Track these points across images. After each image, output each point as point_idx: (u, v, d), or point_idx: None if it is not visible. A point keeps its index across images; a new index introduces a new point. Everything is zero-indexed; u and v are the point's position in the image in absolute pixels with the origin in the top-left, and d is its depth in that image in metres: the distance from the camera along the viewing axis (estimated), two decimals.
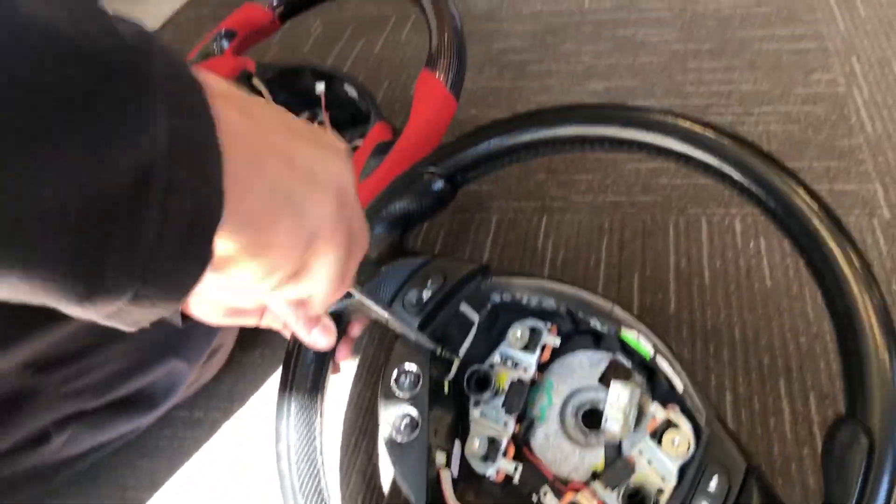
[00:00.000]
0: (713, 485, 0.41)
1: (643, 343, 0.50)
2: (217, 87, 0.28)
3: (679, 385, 0.47)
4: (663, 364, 0.48)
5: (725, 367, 0.61)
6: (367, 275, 0.56)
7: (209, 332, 0.61)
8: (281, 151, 0.31)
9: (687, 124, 0.50)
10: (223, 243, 0.29)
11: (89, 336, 0.56)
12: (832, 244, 0.41)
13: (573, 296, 0.53)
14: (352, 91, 0.80)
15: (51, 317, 0.51)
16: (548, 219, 0.78)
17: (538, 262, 0.74)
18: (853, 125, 0.82)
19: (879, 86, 0.86)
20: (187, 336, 0.57)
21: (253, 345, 0.71)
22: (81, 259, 0.24)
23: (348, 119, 0.82)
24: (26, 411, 0.55)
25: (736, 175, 0.47)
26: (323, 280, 0.35)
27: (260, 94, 0.79)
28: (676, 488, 0.46)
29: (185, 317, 0.54)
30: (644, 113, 0.52)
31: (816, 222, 0.42)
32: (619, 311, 0.50)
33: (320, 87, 0.80)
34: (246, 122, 0.29)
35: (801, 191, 0.44)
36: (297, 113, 0.82)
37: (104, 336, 0.57)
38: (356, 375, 0.68)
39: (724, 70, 0.94)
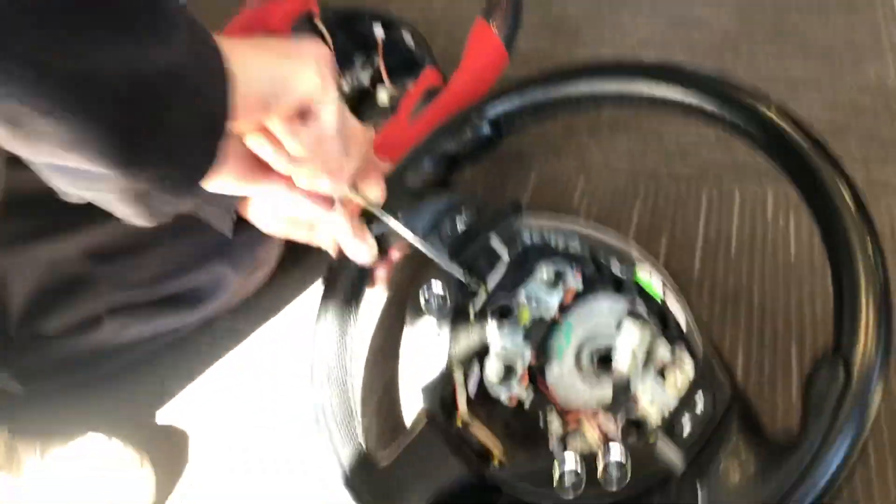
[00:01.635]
0: (699, 407, 0.45)
1: (654, 283, 0.54)
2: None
3: (683, 322, 0.51)
4: (671, 302, 0.52)
5: (741, 330, 0.65)
6: (408, 205, 0.61)
7: (255, 244, 0.66)
8: (267, 62, 0.41)
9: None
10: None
11: (146, 233, 0.62)
12: (830, 181, 0.45)
13: (594, 237, 0.57)
14: (408, 39, 0.84)
15: None
16: (584, 178, 0.82)
17: None
18: None
19: None
20: (235, 245, 0.63)
21: (293, 267, 0.77)
22: (123, 126, 0.33)
23: (403, 65, 0.87)
24: (83, 297, 0.61)
25: (755, 130, 0.51)
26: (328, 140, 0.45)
27: (321, 35, 0.85)
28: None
29: (238, 230, 0.60)
30: (702, 77, 0.56)
31: (812, 157, 0.46)
32: (634, 251, 0.54)
33: (379, 31, 0.85)
34: (241, 56, 0.39)
35: (796, 128, 0.48)
36: (353, 56, 0.88)
37: (159, 234, 0.63)
38: (388, 296, 0.74)
39: (775, 55, 0.96)
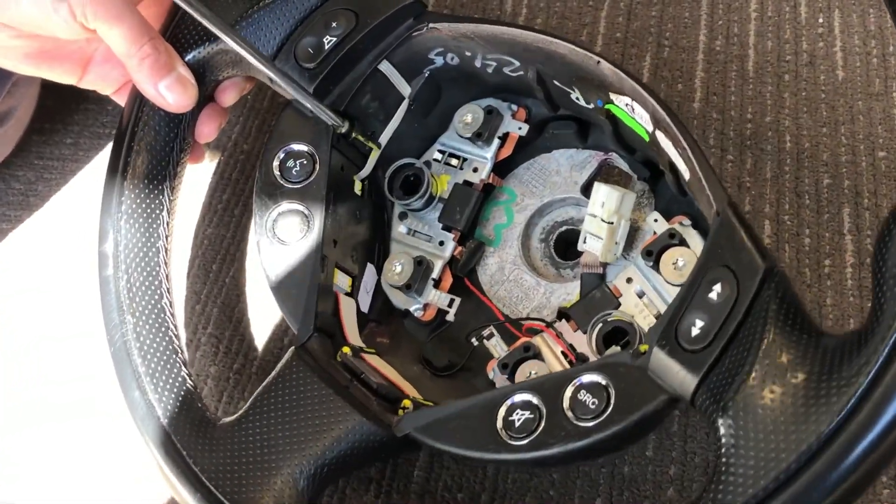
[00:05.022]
0: (715, 293, 0.44)
1: (638, 115, 0.52)
2: None
3: (685, 170, 0.50)
4: (665, 142, 0.51)
5: (767, 186, 0.65)
6: (242, 9, 0.57)
7: None
8: None
9: None
10: None
11: None
12: None
13: (544, 48, 0.54)
14: None
15: None
16: None
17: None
18: None
19: None
20: None
21: (62, 130, 0.73)
22: None
23: None
24: None
25: None
26: None
27: None
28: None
29: None
30: None
31: None
32: (606, 67, 0.52)
33: None
34: None
35: None
36: None
37: None
38: (219, 166, 0.71)
39: None
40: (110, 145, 0.61)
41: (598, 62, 0.52)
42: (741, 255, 0.44)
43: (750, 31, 0.74)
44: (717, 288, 0.44)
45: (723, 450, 0.42)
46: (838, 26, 0.73)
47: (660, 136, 0.51)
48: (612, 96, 0.54)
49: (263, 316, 0.65)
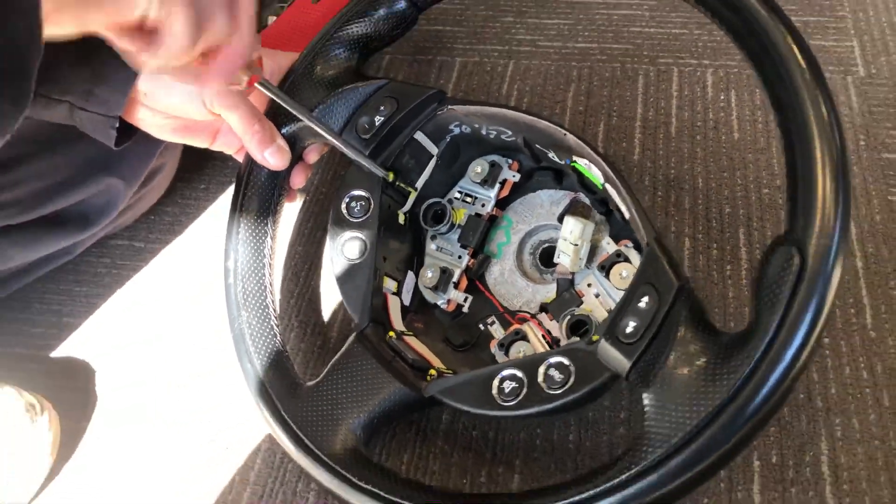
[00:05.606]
0: (643, 302, 0.42)
1: (594, 171, 0.50)
2: None
3: (625, 210, 0.48)
4: (612, 191, 0.49)
5: (686, 214, 0.63)
6: (319, 98, 0.55)
7: (148, 151, 0.60)
8: None
9: None
10: None
11: (19, 146, 0.54)
12: (780, 41, 0.41)
13: (528, 124, 0.52)
14: None
15: None
16: (514, 64, 0.77)
17: None
18: None
19: None
20: (123, 154, 0.55)
21: (198, 178, 0.71)
22: None
23: None
24: None
25: None
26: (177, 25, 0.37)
27: None
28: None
29: (123, 139, 0.53)
30: None
31: (774, 35, 0.41)
32: (571, 139, 0.50)
33: None
34: None
35: (764, 7, 0.44)
36: None
37: (35, 147, 0.55)
38: (305, 204, 0.69)
39: None
40: (231, 189, 0.59)
41: (565, 135, 0.51)
42: (662, 276, 0.43)
43: (672, 105, 0.71)
44: (645, 299, 0.43)
45: (646, 415, 0.41)
46: (734, 101, 0.70)
47: (608, 187, 0.50)
48: (576, 157, 0.52)
49: (335, 309, 0.63)
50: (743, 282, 0.59)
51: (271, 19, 0.74)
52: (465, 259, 0.57)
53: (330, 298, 0.63)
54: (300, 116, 0.52)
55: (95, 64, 0.49)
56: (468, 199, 0.58)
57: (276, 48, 0.60)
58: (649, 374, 0.41)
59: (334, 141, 0.53)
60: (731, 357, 0.38)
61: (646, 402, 0.41)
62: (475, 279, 0.57)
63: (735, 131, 0.68)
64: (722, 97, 0.71)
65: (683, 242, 0.61)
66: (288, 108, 0.51)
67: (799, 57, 0.41)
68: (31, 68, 0.32)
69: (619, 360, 0.42)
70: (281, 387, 0.51)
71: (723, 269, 0.60)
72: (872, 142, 0.66)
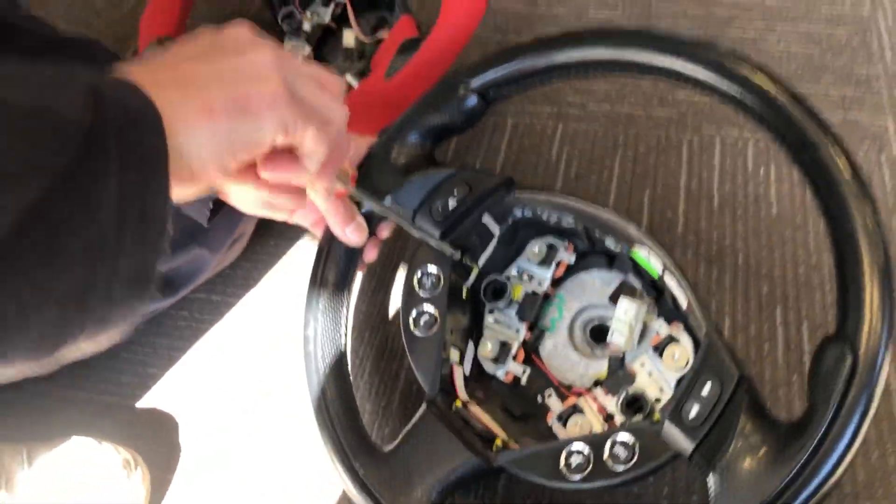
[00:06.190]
0: (706, 390, 0.47)
1: (653, 261, 0.55)
2: (154, 75, 0.35)
3: (683, 301, 0.53)
4: (670, 281, 0.54)
5: (727, 292, 0.67)
6: (396, 183, 0.60)
7: (232, 222, 0.64)
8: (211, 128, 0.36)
9: (728, 62, 0.53)
10: None
11: None
12: (838, 169, 0.46)
13: (592, 214, 0.57)
14: None
15: None
16: (563, 127, 0.81)
17: (552, 171, 0.78)
18: (874, 52, 0.85)
19: None
20: (213, 228, 0.60)
21: (268, 235, 0.75)
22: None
23: (368, 3, 0.82)
24: None
25: (754, 104, 0.52)
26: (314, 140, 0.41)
27: None
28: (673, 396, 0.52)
29: (213, 214, 0.57)
30: (675, 41, 0.55)
31: (825, 150, 0.47)
32: (633, 230, 0.55)
33: None
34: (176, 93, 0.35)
35: (812, 120, 0.49)
36: None
37: None
38: (374, 274, 0.73)
39: None
40: (298, 246, 0.63)
41: (627, 226, 0.55)
42: (723, 366, 0.48)
43: (715, 176, 0.75)
44: (708, 386, 0.48)
45: (711, 496, 0.46)
46: (773, 175, 0.75)
47: (667, 277, 0.54)
48: (636, 246, 0.56)
49: (396, 369, 0.67)
50: (779, 362, 0.63)
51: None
52: (523, 332, 0.61)
53: (392, 360, 0.68)
54: (375, 209, 0.56)
55: None
56: (525, 277, 0.63)
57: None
58: (713, 458, 0.46)
59: (410, 228, 0.57)
60: (789, 447, 0.44)
61: (710, 484, 0.46)
62: (531, 351, 0.62)
63: (774, 206, 0.72)
64: (762, 171, 0.75)
65: (724, 320, 0.66)
66: (373, 205, 0.55)
67: (848, 172, 0.47)
68: (154, 276, 0.35)
69: (683, 441, 0.47)
70: (359, 451, 0.55)
71: (761, 347, 0.64)
72: None
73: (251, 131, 0.37)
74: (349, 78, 0.79)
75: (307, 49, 0.84)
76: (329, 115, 0.42)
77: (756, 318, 0.66)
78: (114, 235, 0.31)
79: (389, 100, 0.68)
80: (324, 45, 0.85)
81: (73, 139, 0.29)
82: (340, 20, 0.84)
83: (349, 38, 0.81)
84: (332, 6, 0.84)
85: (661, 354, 0.56)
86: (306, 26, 0.85)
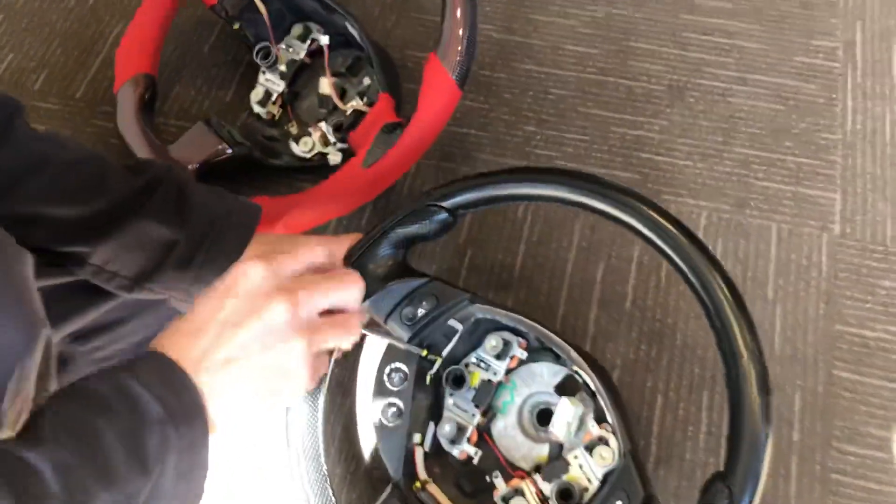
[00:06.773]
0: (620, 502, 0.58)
1: (590, 382, 0.64)
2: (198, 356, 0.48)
3: (611, 419, 0.62)
4: (602, 401, 0.63)
5: (663, 371, 0.76)
6: (373, 288, 0.66)
7: None
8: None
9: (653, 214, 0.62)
10: None
11: (123, 309, 0.66)
12: (734, 328, 0.58)
13: (543, 333, 0.65)
14: (353, 30, 0.82)
15: (99, 293, 0.61)
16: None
17: (516, 235, 0.84)
18: (836, 115, 0.89)
19: (874, 68, 0.92)
20: None
21: None
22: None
23: (343, 45, 0.87)
24: (61, 372, 0.66)
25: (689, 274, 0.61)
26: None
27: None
28: (596, 493, 0.62)
29: None
30: (616, 192, 0.63)
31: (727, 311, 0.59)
32: (574, 355, 0.63)
33: (324, 38, 0.82)
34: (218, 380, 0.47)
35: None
36: (288, 22, 0.87)
37: (135, 308, 0.67)
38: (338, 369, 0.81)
39: (728, 15, 0.96)
40: None
41: (570, 352, 0.65)
42: (632, 485, 0.59)
43: None
44: (621, 499, 0.58)
45: None
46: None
47: (599, 397, 0.64)
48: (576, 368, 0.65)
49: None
50: (700, 445, 0.73)
51: None
52: (477, 417, 0.70)
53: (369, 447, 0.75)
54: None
55: (197, 269, 0.60)
56: (482, 365, 0.71)
57: (325, 207, 0.70)
58: None
59: (383, 325, 0.65)
60: None
61: None
62: (483, 432, 0.71)
63: None
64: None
65: (657, 399, 0.75)
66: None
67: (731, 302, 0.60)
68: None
69: None
70: None
71: (686, 429, 0.73)
72: (830, 310, 0.78)
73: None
74: (324, 127, 0.83)
75: (282, 85, 0.88)
76: (343, 343, 0.57)
77: (686, 400, 0.74)
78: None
79: (366, 186, 0.73)
80: (297, 80, 0.89)
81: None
82: (315, 55, 0.87)
83: (325, 85, 0.84)
84: (308, 42, 0.87)
85: (591, 451, 0.66)
86: (282, 68, 0.87)
